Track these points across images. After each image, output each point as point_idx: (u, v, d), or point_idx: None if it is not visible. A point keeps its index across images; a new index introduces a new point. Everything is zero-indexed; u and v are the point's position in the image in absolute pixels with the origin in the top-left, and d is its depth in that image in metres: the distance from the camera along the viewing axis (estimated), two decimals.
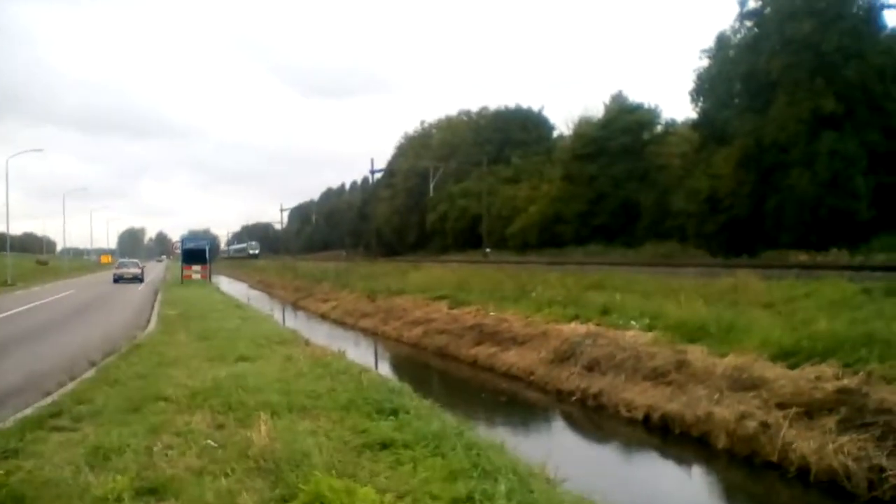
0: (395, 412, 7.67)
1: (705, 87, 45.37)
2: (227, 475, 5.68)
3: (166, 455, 6.30)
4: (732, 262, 28.58)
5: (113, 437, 6.80)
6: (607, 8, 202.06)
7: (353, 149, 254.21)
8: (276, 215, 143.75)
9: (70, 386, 10.35)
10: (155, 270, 79.92)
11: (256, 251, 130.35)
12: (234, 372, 10.06)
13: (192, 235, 71.81)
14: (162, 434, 6.98)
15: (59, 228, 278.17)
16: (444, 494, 5.19)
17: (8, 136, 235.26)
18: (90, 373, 11.31)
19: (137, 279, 51.66)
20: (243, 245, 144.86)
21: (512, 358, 15.49)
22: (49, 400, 9.24)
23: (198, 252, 44.96)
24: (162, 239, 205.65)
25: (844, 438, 7.75)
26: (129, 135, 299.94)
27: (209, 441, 6.67)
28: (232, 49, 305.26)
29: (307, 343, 14.46)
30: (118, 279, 51.49)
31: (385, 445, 6.47)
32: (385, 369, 16.80)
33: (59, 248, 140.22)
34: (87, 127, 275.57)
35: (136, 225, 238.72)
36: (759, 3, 40.08)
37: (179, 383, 9.39)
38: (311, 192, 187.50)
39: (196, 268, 43.80)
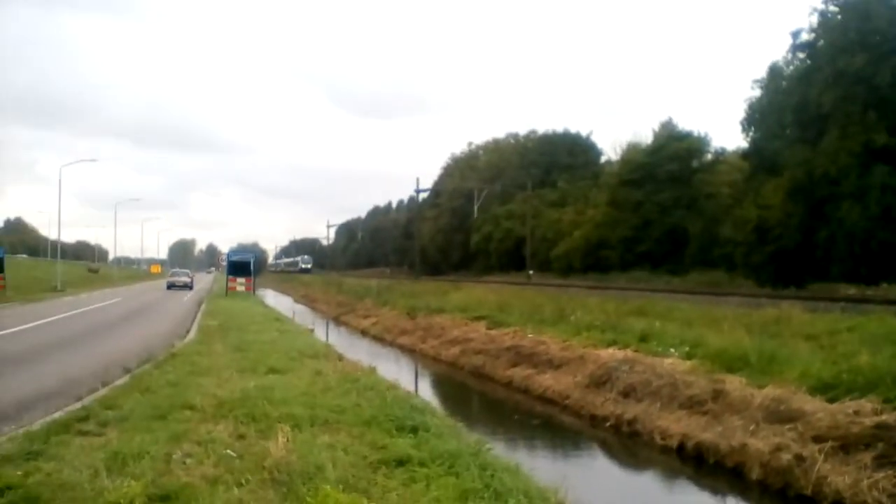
0: (415, 429, 7.59)
1: (756, 118, 44.80)
2: (240, 485, 5.65)
3: (184, 463, 6.30)
4: (778, 294, 28.00)
5: (134, 443, 6.82)
6: (659, 35, 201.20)
7: (401, 169, 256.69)
8: (323, 231, 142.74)
9: (102, 392, 10.41)
10: (203, 281, 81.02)
11: (309, 266, 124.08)
12: (263, 384, 10.03)
13: (239, 248, 73.32)
14: (183, 442, 6.98)
15: (112, 238, 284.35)
16: None
17: (65, 147, 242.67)
18: (124, 379, 11.39)
19: (188, 286, 57.77)
20: (295, 259, 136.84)
21: (547, 381, 15.27)
22: (79, 405, 9.30)
23: (243, 265, 45.47)
24: (212, 251, 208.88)
25: (880, 475, 7.49)
26: (184, 149, 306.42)
27: (228, 451, 6.65)
28: (284, 70, 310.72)
29: (340, 358, 14.43)
30: (171, 286, 57.77)
31: (401, 462, 6.39)
32: (417, 387, 16.70)
33: (110, 256, 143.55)
34: (143, 140, 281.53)
35: (187, 236, 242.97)
36: (813, 35, 39.47)
37: (208, 393, 9.40)
38: (359, 209, 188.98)
39: (241, 280, 44.26)
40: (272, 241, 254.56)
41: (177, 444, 6.85)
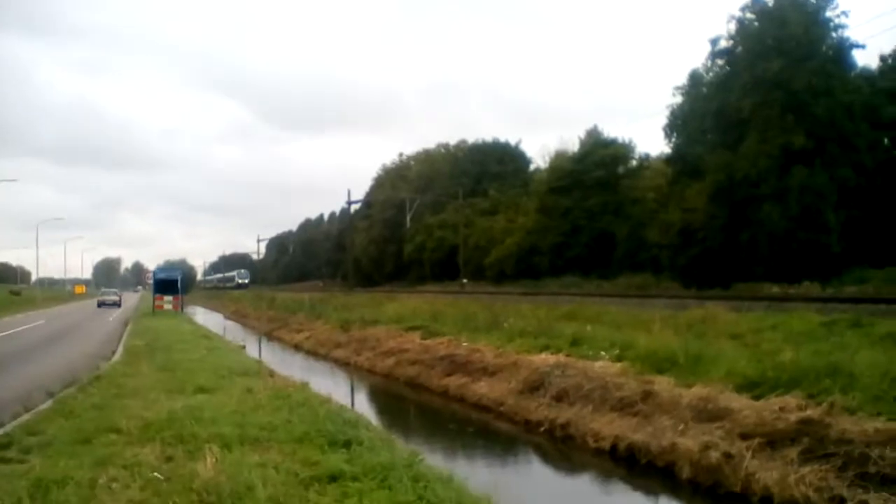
0: (348, 444, 7.51)
1: (678, 123, 45.81)
2: None
3: (110, 488, 6.12)
4: (704, 294, 28.66)
5: (58, 469, 6.61)
6: (584, 43, 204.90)
7: (332, 181, 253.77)
8: (253, 246, 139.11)
9: (24, 417, 10.09)
10: (130, 300, 79.25)
11: (246, 280, 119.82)
12: (191, 404, 9.81)
13: (166, 266, 72.74)
14: (109, 466, 6.77)
15: (34, 259, 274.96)
16: None
17: None
18: (47, 404, 11.04)
19: (117, 304, 62.90)
20: (230, 274, 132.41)
21: (482, 388, 15.30)
22: (0, 431, 9.01)
23: (170, 282, 44.58)
24: (138, 269, 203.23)
25: (806, 469, 7.66)
26: (106, 166, 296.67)
27: (155, 474, 6.48)
28: (207, 84, 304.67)
29: (271, 374, 14.23)
30: (101, 304, 62.99)
31: (334, 478, 6.31)
32: (352, 401, 16.58)
33: (33, 277, 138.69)
34: (64, 159, 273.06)
35: (112, 255, 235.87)
36: (731, 42, 40.67)
37: (134, 415, 9.14)
38: (290, 223, 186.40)
39: (168, 298, 43.37)
40: (201, 257, 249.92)
41: (102, 469, 6.64)
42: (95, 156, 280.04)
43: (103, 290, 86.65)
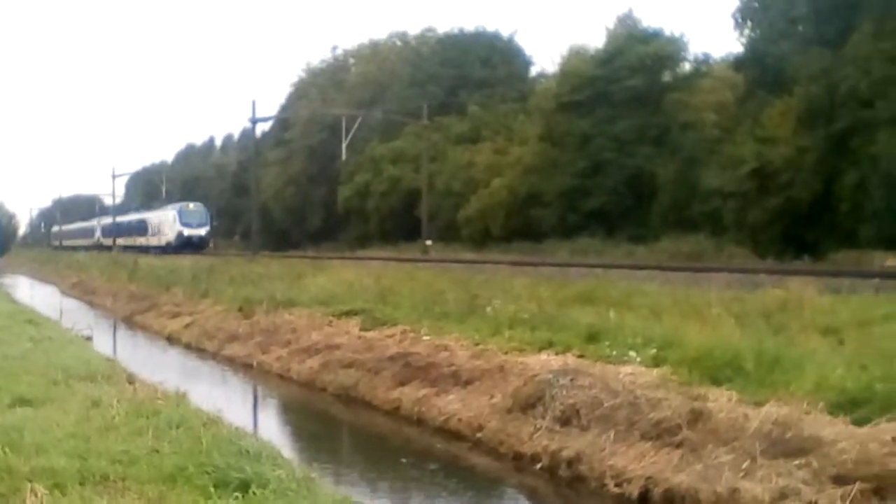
0: (245, 485, 7.52)
1: (755, 8, 45.92)
2: None
3: None
4: (787, 267, 28.89)
5: None
6: None
7: (229, 91, 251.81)
8: (106, 187, 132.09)
9: None
10: None
11: (201, 232, 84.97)
12: (7, 422, 9.76)
13: None
14: None
15: None
16: None
17: None
18: None
19: None
20: (143, 217, 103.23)
21: (452, 404, 15.36)
22: None
23: None
24: None
25: None
26: None
27: None
28: None
29: (130, 380, 14.17)
30: None
31: None
32: (254, 421, 16.62)
33: None
34: None
35: None
36: None
37: None
38: (163, 153, 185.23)
39: None
40: (28, 204, 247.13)
41: None
42: None
43: None
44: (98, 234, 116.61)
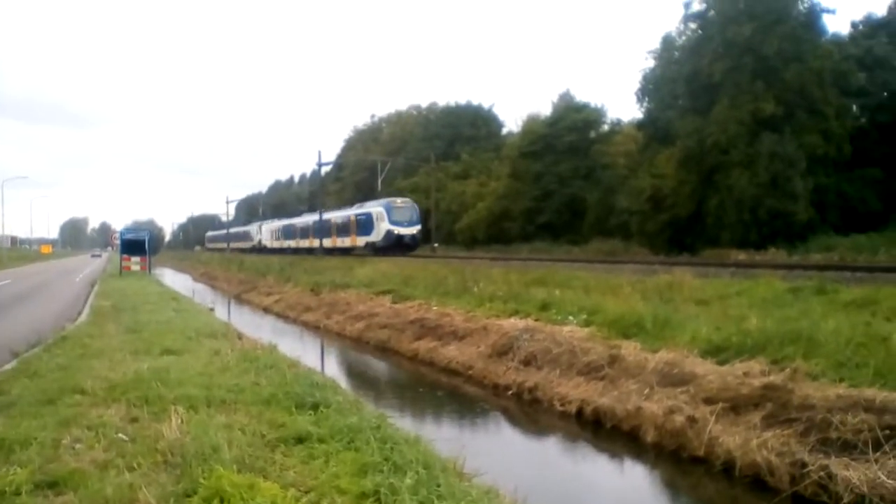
0: (315, 406, 7.50)
1: (650, 88, 45.91)
2: (132, 469, 5.48)
3: (73, 448, 6.08)
4: (672, 260, 28.90)
5: (21, 429, 6.53)
6: (558, 7, 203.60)
7: (303, 142, 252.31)
8: (222, 208, 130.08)
9: None
10: (96, 262, 78.35)
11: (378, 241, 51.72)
12: (157, 365, 9.73)
13: (133, 226, 70.49)
14: (73, 427, 6.73)
15: None
16: (350, 489, 5.07)
17: None
18: (11, 364, 10.91)
19: (99, 256, 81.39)
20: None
21: (452, 352, 15.35)
22: None
23: (137, 243, 43.98)
24: (105, 229, 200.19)
25: (768, 434, 7.76)
26: (71, 124, 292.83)
27: (120, 434, 6.46)
28: (172, 40, 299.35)
29: (239, 336, 14.14)
30: (93, 256, 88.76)
31: (300, 440, 6.33)
32: (320, 363, 16.60)
33: None
34: (28, 116, 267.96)
35: (79, 215, 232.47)
36: (703, 5, 40.61)
37: (99, 376, 9.06)
38: (259, 184, 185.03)
39: (135, 259, 42.85)
40: (170, 219, 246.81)
41: (66, 430, 6.60)
42: (60, 113, 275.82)
43: (93, 251, 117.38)
44: (259, 237, 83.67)
